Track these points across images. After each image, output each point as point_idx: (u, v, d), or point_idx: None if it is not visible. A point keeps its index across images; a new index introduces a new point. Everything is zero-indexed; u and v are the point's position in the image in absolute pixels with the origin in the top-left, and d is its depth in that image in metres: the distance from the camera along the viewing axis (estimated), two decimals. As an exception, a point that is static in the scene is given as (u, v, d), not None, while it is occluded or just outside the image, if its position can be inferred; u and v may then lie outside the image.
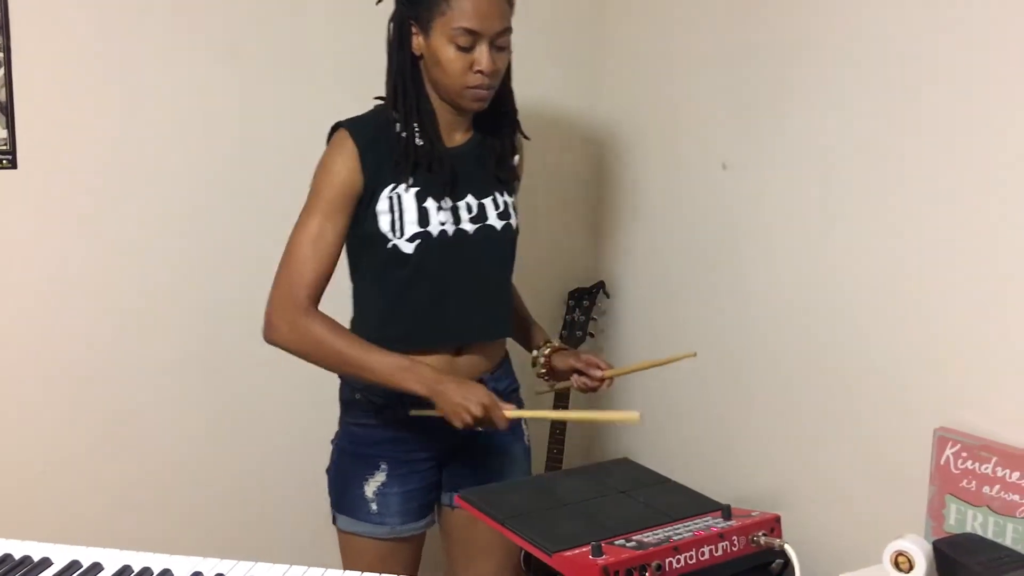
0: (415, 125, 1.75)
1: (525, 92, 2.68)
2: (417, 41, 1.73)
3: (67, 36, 2.16)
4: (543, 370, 1.93)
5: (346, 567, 1.87)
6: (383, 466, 1.83)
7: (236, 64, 2.33)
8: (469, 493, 1.50)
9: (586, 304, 2.77)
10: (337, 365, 1.72)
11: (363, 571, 1.84)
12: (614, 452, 2.91)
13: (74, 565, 1.29)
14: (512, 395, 1.93)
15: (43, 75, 2.14)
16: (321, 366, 1.72)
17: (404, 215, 1.74)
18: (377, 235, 1.75)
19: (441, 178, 1.76)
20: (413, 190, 1.75)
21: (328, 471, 1.91)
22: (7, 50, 2.09)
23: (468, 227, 1.79)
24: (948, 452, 1.85)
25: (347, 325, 1.82)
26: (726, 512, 1.46)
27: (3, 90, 2.10)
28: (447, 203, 1.77)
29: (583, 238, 2.91)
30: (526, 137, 1.94)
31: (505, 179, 1.86)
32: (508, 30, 1.71)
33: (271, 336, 1.71)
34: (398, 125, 1.76)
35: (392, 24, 1.76)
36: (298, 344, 1.69)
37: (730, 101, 2.40)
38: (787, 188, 2.25)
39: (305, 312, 1.68)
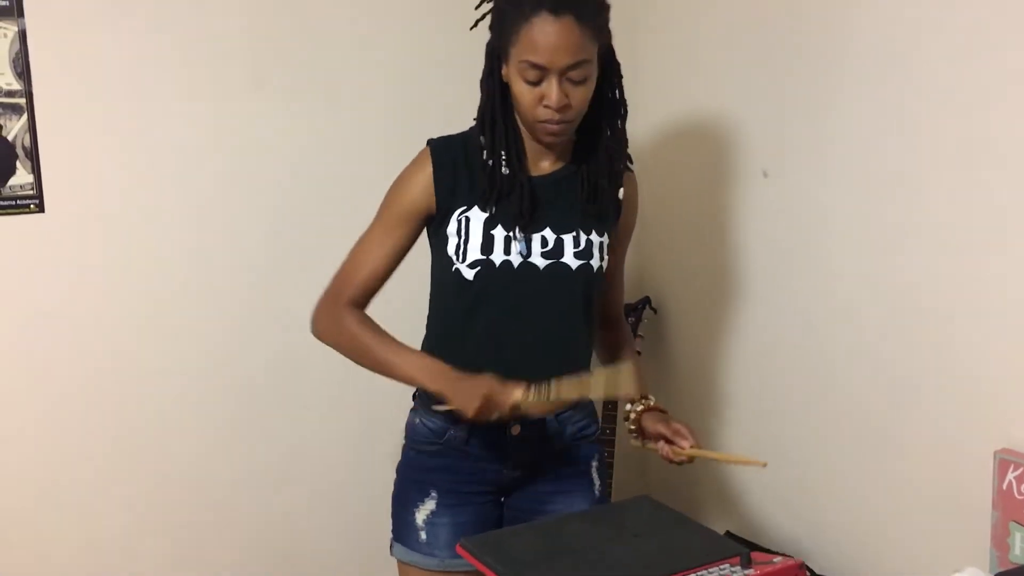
0: (502, 153, 1.71)
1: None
2: (505, 70, 1.68)
3: (87, 78, 2.17)
4: (632, 427, 1.82)
5: None
6: (433, 493, 1.79)
7: (259, 96, 2.33)
8: (468, 541, 1.43)
9: (631, 321, 2.67)
10: (365, 359, 1.72)
11: None
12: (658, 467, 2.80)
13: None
14: (582, 441, 1.86)
15: (65, 118, 2.16)
16: (352, 360, 1.75)
17: (469, 240, 1.70)
18: (444, 258, 1.73)
19: (518, 207, 1.69)
20: (484, 215, 1.70)
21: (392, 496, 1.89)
22: (29, 96, 2.11)
23: (539, 262, 1.71)
24: (1010, 476, 1.72)
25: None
26: (744, 559, 1.36)
27: (28, 135, 2.12)
28: (519, 234, 1.71)
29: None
30: (629, 169, 1.85)
31: (597, 215, 1.77)
32: (584, 62, 1.61)
33: (312, 329, 1.77)
34: (485, 152, 1.72)
35: (486, 50, 1.72)
36: (330, 336, 1.75)
37: (769, 105, 2.28)
38: (832, 196, 2.12)
39: (347, 308, 1.73)
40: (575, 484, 1.85)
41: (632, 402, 1.83)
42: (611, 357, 1.94)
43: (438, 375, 1.65)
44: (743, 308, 2.43)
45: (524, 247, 1.71)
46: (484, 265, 1.70)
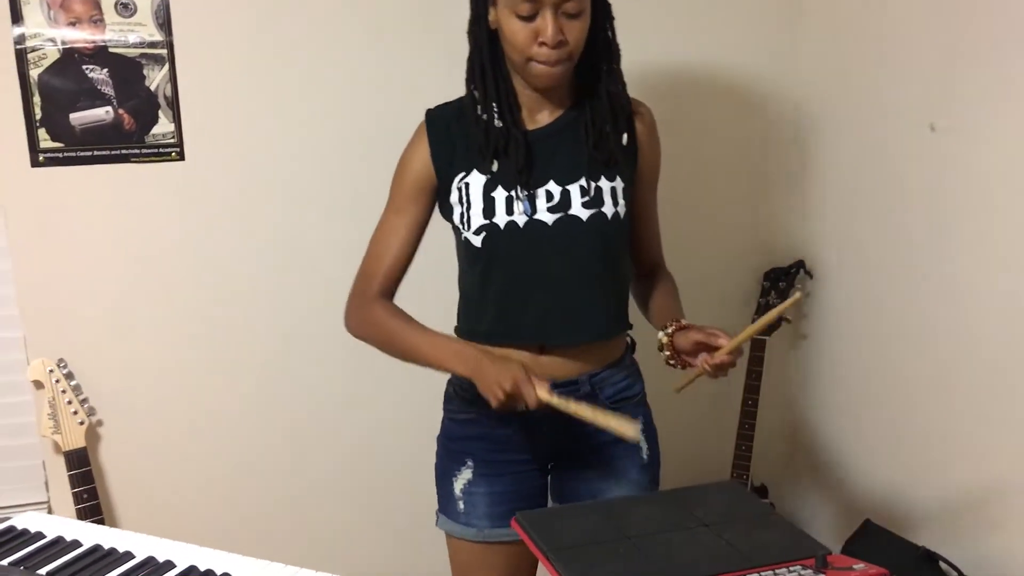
0: (494, 105, 1.61)
1: (717, 55, 2.47)
2: (492, 14, 1.57)
3: (226, 29, 2.21)
4: (667, 353, 1.65)
5: (452, 567, 1.80)
6: (469, 463, 1.73)
7: (383, 49, 2.30)
8: (525, 515, 1.36)
9: (782, 285, 2.49)
10: (396, 349, 1.67)
11: (458, 573, 1.79)
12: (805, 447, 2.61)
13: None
14: (624, 403, 1.72)
15: (204, 68, 2.21)
16: (384, 351, 1.69)
17: (472, 206, 1.62)
18: (455, 228, 1.68)
19: (515, 162, 1.60)
20: (483, 178, 1.62)
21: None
22: (170, 47, 2.17)
23: (546, 217, 1.60)
24: None
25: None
26: (820, 562, 1.21)
27: (169, 85, 2.19)
28: (521, 192, 1.61)
29: (779, 213, 2.61)
30: (633, 110, 1.70)
31: (605, 160, 1.64)
32: None
33: (345, 326, 1.72)
34: (479, 107, 1.63)
35: None
36: (362, 330, 1.70)
37: (938, 52, 2.02)
38: (1010, 151, 1.87)
39: (372, 301, 1.68)
40: (619, 451, 1.72)
41: (662, 329, 1.66)
42: (641, 300, 1.81)
43: (468, 360, 1.57)
44: (903, 273, 2.19)
45: (527, 205, 1.60)
46: (489, 229, 1.61)
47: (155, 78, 2.18)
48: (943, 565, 2.03)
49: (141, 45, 2.16)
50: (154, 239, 2.25)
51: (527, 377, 1.49)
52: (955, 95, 2.00)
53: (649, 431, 1.78)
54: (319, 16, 2.25)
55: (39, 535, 1.35)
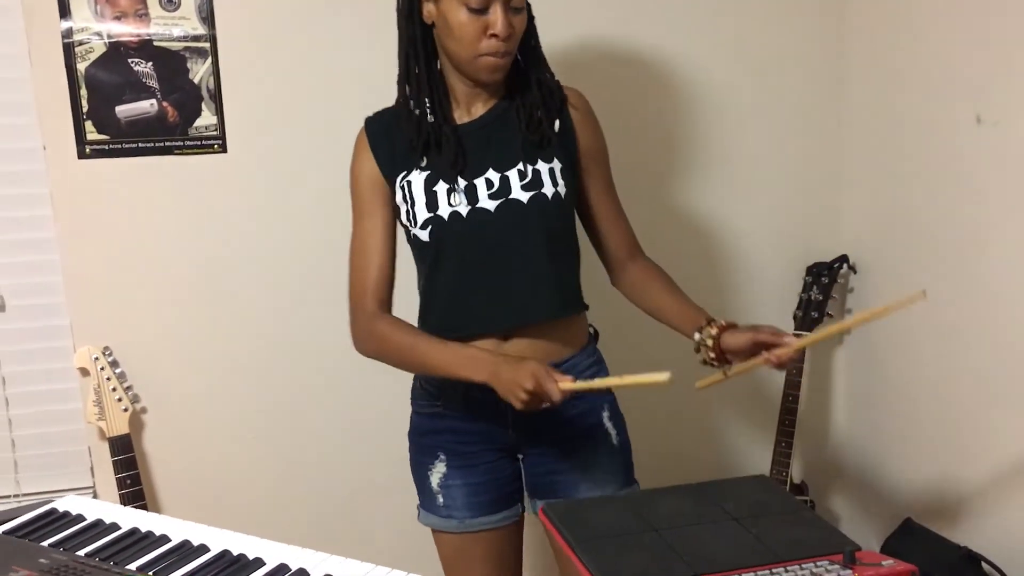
0: (426, 101, 1.66)
1: (760, 49, 2.44)
2: (428, 8, 1.61)
3: (267, 24, 2.24)
4: (711, 355, 1.62)
5: (440, 560, 1.83)
6: (441, 455, 1.76)
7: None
8: (553, 507, 1.36)
9: (825, 281, 2.46)
10: (407, 363, 1.69)
11: (445, 565, 1.81)
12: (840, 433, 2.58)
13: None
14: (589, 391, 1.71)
15: (247, 62, 2.24)
16: (397, 367, 1.71)
17: (415, 202, 1.66)
18: (405, 228, 1.71)
19: (447, 157, 1.64)
20: (423, 175, 1.66)
21: None
22: (213, 40, 2.21)
23: (488, 204, 1.64)
24: None
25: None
26: (848, 557, 1.20)
27: (212, 78, 2.22)
28: (460, 183, 1.64)
29: (823, 206, 2.57)
30: (562, 96, 1.72)
31: (540, 143, 1.66)
32: None
33: (355, 347, 1.72)
34: (412, 103, 1.67)
35: None
36: (372, 350, 1.70)
37: (985, 43, 1.98)
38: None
39: (372, 318, 1.68)
40: (587, 439, 1.73)
41: (700, 329, 1.63)
42: (645, 299, 1.79)
43: (484, 366, 1.56)
44: (948, 270, 2.16)
45: (464, 196, 1.64)
46: (434, 222, 1.65)
47: (198, 71, 2.21)
48: (985, 566, 2.00)
49: (185, 39, 2.19)
50: (197, 229, 2.29)
51: (547, 373, 1.49)
52: (1001, 87, 1.96)
53: (616, 417, 1.79)
54: (361, 8, 2.26)
55: (80, 518, 1.38)
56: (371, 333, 1.68)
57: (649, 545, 1.26)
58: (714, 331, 1.60)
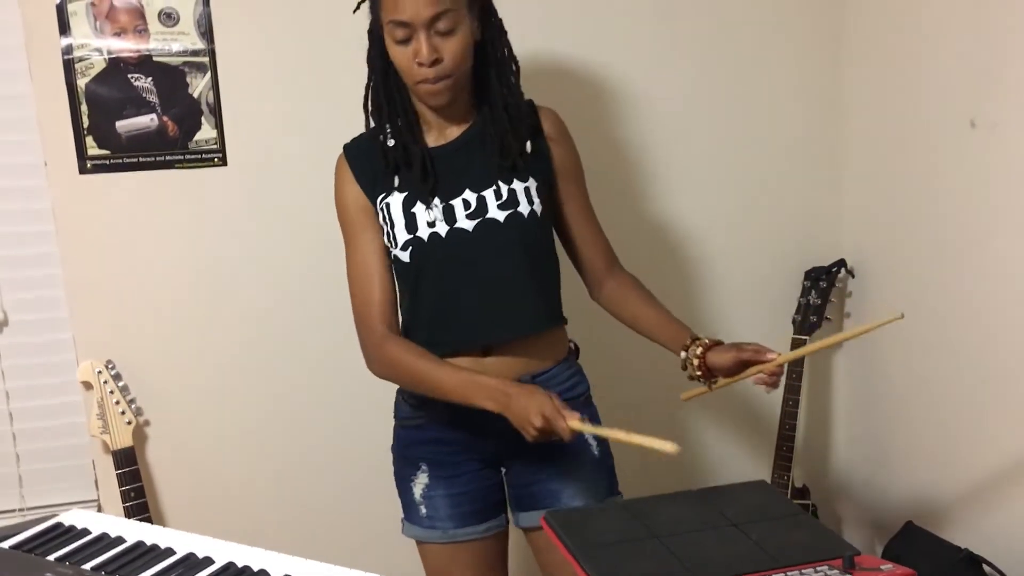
0: (388, 126, 1.72)
1: (756, 54, 2.46)
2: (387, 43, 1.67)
3: (266, 38, 2.26)
4: (698, 372, 1.68)
5: (425, 572, 1.86)
6: (423, 467, 1.79)
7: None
8: (554, 514, 1.37)
9: (823, 285, 2.47)
10: (419, 386, 1.71)
11: None
12: (840, 449, 2.59)
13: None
14: (575, 402, 1.76)
15: (246, 76, 2.26)
16: (411, 390, 1.75)
17: (395, 224, 1.70)
18: (387, 251, 1.75)
19: (416, 178, 1.69)
20: (401, 196, 1.70)
21: None
22: (212, 54, 2.22)
23: (466, 224, 1.68)
24: None
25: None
26: (847, 562, 1.21)
27: (211, 92, 2.24)
28: (437, 204, 1.68)
29: (821, 210, 2.58)
30: (535, 120, 1.77)
31: (517, 165, 1.71)
32: (447, 12, 1.58)
33: (368, 369, 1.75)
34: (386, 129, 1.73)
35: (368, 32, 1.73)
36: (385, 373, 1.73)
37: (980, 48, 2.00)
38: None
39: (383, 340, 1.70)
40: (569, 450, 1.75)
41: (686, 348, 1.68)
42: (624, 310, 1.83)
43: (496, 396, 1.58)
44: (945, 273, 2.17)
45: (441, 215, 1.68)
46: (414, 243, 1.69)
47: (198, 86, 2.23)
48: (987, 568, 2.00)
49: (184, 54, 2.21)
50: (198, 243, 2.30)
51: (556, 411, 1.51)
52: (996, 91, 1.97)
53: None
54: (359, 23, 2.27)
55: (84, 531, 1.39)
56: (382, 356, 1.70)
57: (651, 552, 1.27)
58: (699, 351, 1.66)
